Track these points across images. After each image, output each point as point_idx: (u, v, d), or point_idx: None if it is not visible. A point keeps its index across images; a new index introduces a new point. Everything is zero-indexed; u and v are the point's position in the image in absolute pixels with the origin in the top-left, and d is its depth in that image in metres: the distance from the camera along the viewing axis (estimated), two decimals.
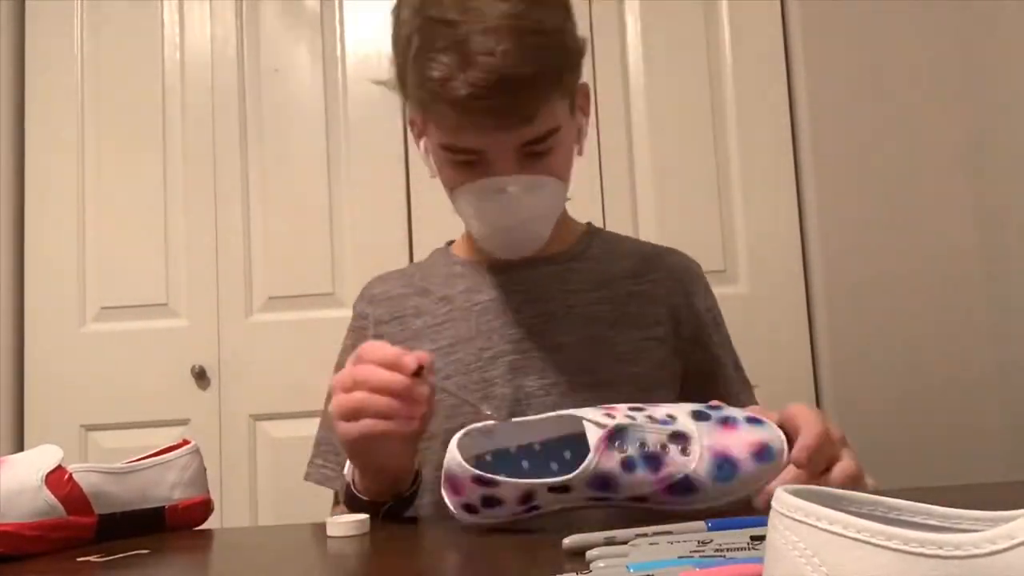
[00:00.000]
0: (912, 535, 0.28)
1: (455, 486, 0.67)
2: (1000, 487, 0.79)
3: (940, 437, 1.75)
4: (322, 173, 1.95)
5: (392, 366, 0.72)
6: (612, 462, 0.63)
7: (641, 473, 0.63)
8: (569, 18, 0.87)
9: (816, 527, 0.30)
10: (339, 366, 1.04)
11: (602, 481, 0.63)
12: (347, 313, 1.92)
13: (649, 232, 1.90)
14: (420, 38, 0.81)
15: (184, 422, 1.89)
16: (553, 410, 0.76)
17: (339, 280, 1.92)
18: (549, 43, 0.81)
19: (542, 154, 0.86)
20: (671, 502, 0.64)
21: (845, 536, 0.29)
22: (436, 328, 0.98)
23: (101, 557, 0.65)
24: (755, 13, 1.95)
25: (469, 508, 0.67)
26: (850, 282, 1.84)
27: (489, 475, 0.65)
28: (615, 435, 0.64)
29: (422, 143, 0.95)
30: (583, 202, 1.92)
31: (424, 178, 1.96)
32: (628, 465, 0.63)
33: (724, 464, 0.63)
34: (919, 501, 0.33)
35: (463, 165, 0.87)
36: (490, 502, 0.65)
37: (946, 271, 1.83)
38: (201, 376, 1.89)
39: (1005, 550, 0.27)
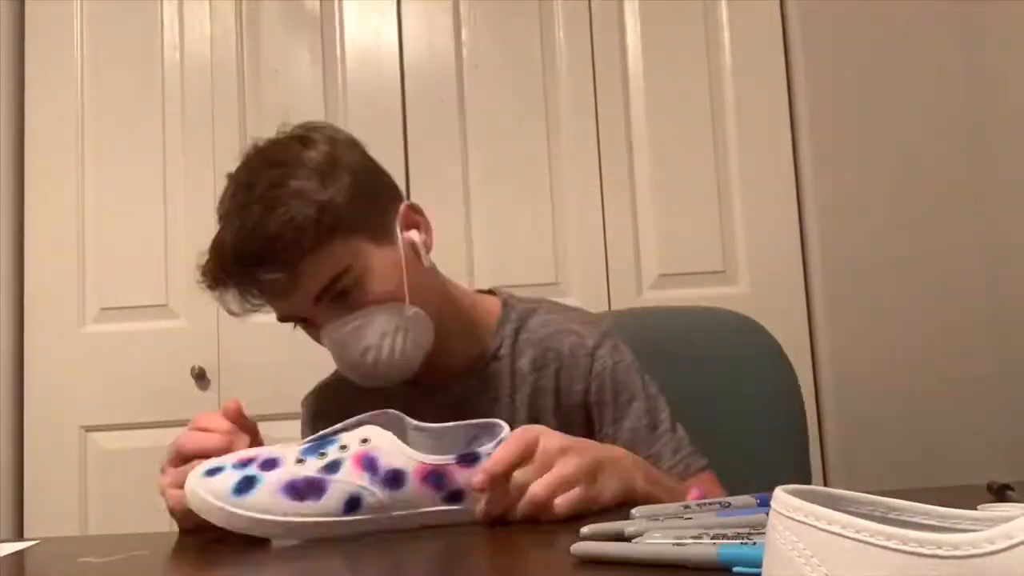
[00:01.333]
0: (911, 535, 0.28)
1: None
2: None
3: (940, 437, 1.75)
4: None
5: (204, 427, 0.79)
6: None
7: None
8: (323, 175, 0.89)
9: (815, 527, 0.30)
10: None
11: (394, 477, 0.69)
12: None
13: (649, 233, 1.90)
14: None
15: (184, 423, 1.88)
16: None
17: None
18: (288, 211, 0.84)
19: (344, 294, 0.89)
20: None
21: (844, 536, 0.29)
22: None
23: (100, 558, 0.65)
24: (755, 13, 1.95)
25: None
26: (850, 281, 1.84)
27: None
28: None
29: None
30: (583, 202, 1.92)
31: (423, 178, 1.97)
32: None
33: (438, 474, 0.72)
34: (918, 501, 0.33)
35: (305, 326, 0.94)
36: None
37: (946, 270, 1.83)
38: (201, 377, 1.89)
39: (1004, 550, 0.27)
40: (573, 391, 1.01)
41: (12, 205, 1.94)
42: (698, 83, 1.95)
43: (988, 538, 0.27)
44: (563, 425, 0.94)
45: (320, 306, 0.89)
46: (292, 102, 1.97)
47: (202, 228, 1.91)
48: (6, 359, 1.89)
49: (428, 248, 0.97)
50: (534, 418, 0.99)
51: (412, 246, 0.95)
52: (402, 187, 1.94)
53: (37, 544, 0.77)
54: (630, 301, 1.83)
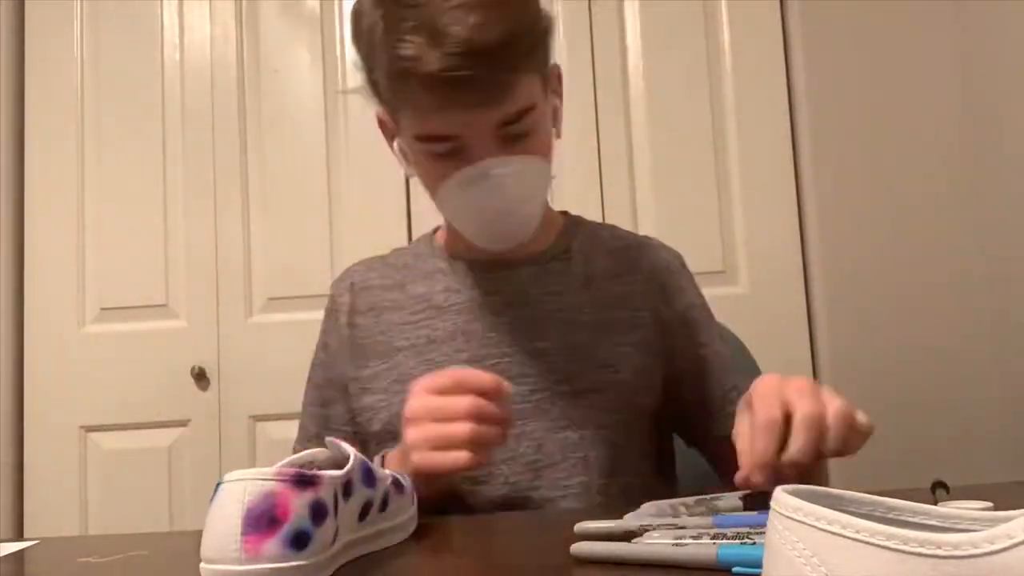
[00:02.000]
0: (911, 535, 0.28)
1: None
2: (999, 487, 0.79)
3: (940, 437, 1.75)
4: (322, 173, 1.95)
5: (493, 394, 0.72)
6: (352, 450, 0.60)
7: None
8: None
9: (815, 527, 0.30)
10: (319, 352, 1.04)
11: (368, 471, 0.58)
12: None
13: (649, 233, 1.88)
14: (385, 24, 0.78)
15: (184, 423, 1.89)
16: (532, 416, 0.78)
17: None
18: (518, 15, 0.79)
19: (521, 136, 0.82)
20: (399, 499, 0.65)
21: (844, 536, 0.29)
22: (411, 326, 0.96)
23: (100, 558, 0.65)
24: (755, 13, 1.95)
25: (299, 539, 0.48)
26: (850, 281, 1.84)
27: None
28: None
29: (396, 144, 0.93)
30: (583, 202, 1.92)
31: None
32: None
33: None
34: (918, 501, 0.33)
35: (441, 158, 0.83)
36: (319, 513, 0.50)
37: (946, 270, 1.83)
38: (201, 377, 1.89)
39: (1003, 550, 0.27)
40: (652, 306, 0.96)
41: (12, 205, 1.94)
42: (698, 83, 1.95)
43: (988, 538, 0.27)
44: (632, 338, 0.93)
45: (493, 135, 0.81)
46: (292, 102, 1.97)
47: (202, 228, 1.92)
48: (6, 359, 1.89)
49: (561, 118, 0.93)
50: (597, 322, 0.93)
51: (556, 112, 0.91)
52: (403, 185, 1.95)
53: (37, 544, 0.77)
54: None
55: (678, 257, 1.03)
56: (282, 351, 1.90)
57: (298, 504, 0.47)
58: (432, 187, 0.87)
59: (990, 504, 0.56)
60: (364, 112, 1.98)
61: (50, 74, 1.98)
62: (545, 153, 0.86)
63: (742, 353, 1.22)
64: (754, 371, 1.23)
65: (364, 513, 0.57)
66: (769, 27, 1.95)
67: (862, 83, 1.87)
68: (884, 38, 1.88)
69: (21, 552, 0.73)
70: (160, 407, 1.89)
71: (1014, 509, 0.30)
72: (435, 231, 1.05)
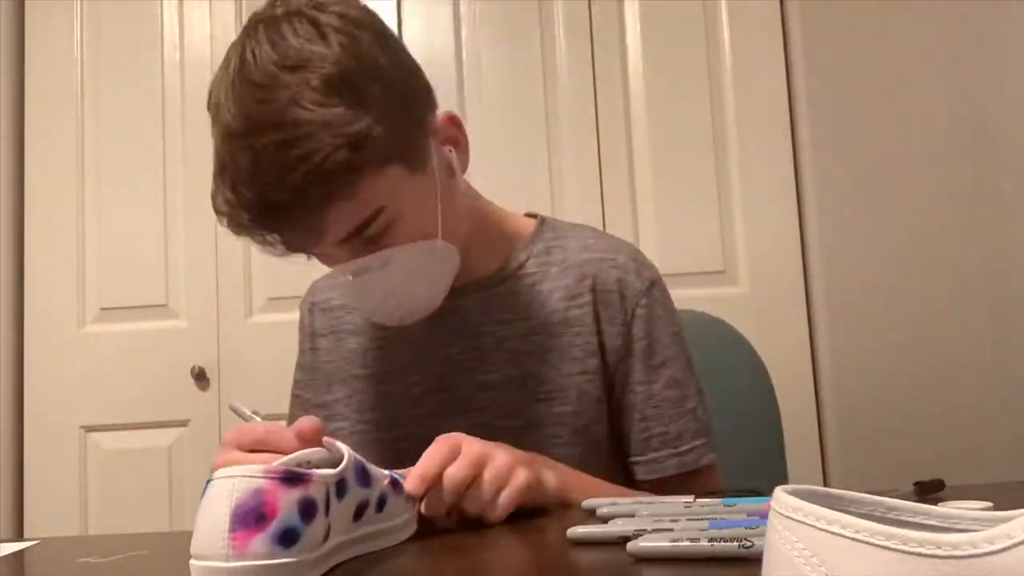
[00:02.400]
0: (911, 535, 0.28)
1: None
2: (999, 487, 0.79)
3: (939, 437, 1.75)
4: None
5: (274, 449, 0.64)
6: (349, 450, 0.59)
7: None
8: (349, 86, 0.71)
9: (815, 527, 0.30)
10: (297, 370, 1.03)
11: (362, 470, 0.57)
12: None
13: (649, 233, 1.90)
14: (216, 165, 0.74)
15: (184, 423, 1.89)
16: None
17: None
18: (321, 142, 0.68)
19: (380, 235, 0.76)
20: (396, 500, 0.62)
21: (844, 536, 0.29)
22: (371, 352, 0.93)
23: (100, 558, 0.65)
24: (755, 15, 1.95)
25: (288, 536, 0.48)
26: (850, 281, 1.84)
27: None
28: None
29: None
30: (583, 204, 1.92)
31: None
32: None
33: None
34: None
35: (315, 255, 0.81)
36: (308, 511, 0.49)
37: (946, 269, 1.83)
38: (201, 377, 1.89)
39: (1003, 550, 0.27)
40: (600, 330, 0.89)
41: (12, 206, 1.94)
42: (698, 83, 1.95)
43: (987, 538, 0.27)
44: (582, 366, 0.87)
45: (343, 247, 0.77)
46: None
47: (202, 228, 1.92)
48: (6, 359, 1.89)
49: (464, 166, 0.85)
50: (546, 351, 0.88)
51: (448, 167, 0.83)
52: None
53: (37, 544, 0.77)
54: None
55: (649, 280, 0.93)
56: (282, 351, 1.89)
57: (287, 501, 0.47)
58: None
59: (990, 504, 0.56)
60: None
61: (50, 74, 1.98)
62: (414, 236, 0.78)
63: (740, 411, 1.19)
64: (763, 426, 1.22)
65: (359, 513, 0.56)
66: (769, 27, 1.95)
67: (862, 82, 1.87)
68: (884, 38, 1.88)
69: (21, 552, 0.73)
70: (160, 407, 1.90)
71: (1014, 509, 0.30)
72: None
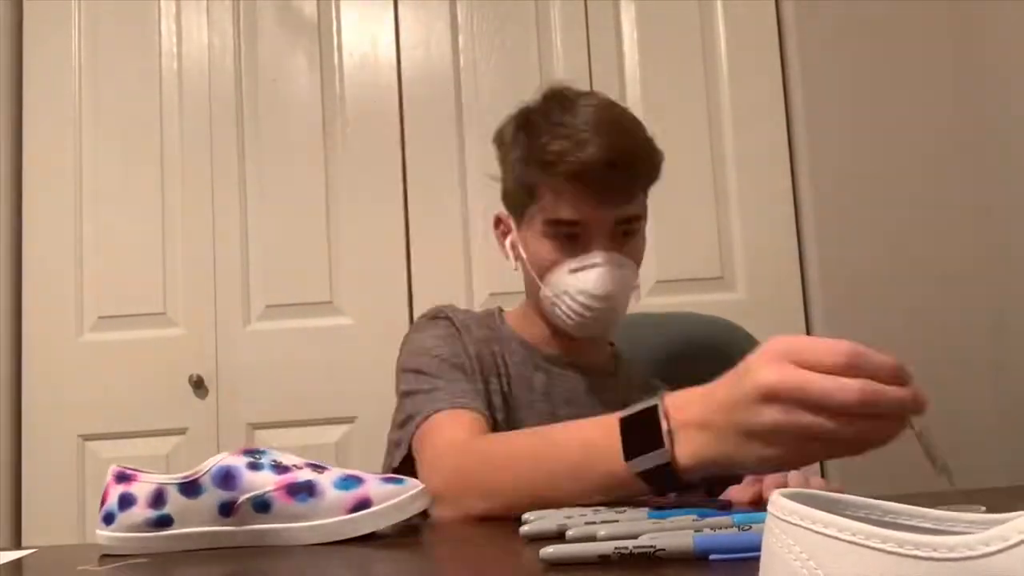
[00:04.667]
0: (907, 537, 0.28)
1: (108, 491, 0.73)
2: (995, 492, 0.79)
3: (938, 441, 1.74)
4: (319, 182, 1.95)
5: (901, 380, 0.60)
6: (240, 461, 0.71)
7: (265, 472, 0.70)
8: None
9: (811, 530, 0.30)
10: (445, 345, 1.03)
11: (226, 475, 0.70)
12: (345, 321, 1.91)
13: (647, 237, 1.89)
14: (528, 133, 1.00)
15: (182, 431, 1.89)
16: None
17: (336, 288, 1.93)
18: (644, 140, 1.02)
19: (629, 235, 1.01)
20: (291, 506, 0.70)
21: (840, 539, 0.30)
22: (496, 394, 1.03)
23: (101, 565, 0.65)
24: (751, 19, 1.96)
25: (108, 517, 0.71)
26: (847, 288, 1.84)
27: (131, 469, 0.74)
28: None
29: (508, 240, 1.08)
30: None
31: (421, 184, 1.97)
32: (255, 466, 0.71)
33: (350, 479, 0.71)
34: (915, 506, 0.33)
35: (562, 241, 0.99)
36: (126, 501, 0.71)
37: (944, 275, 1.83)
38: (199, 385, 1.89)
39: (998, 552, 0.27)
40: None
41: (10, 214, 1.94)
42: (695, 89, 1.96)
43: (983, 540, 0.27)
44: None
45: (610, 229, 0.99)
46: (289, 110, 1.98)
47: (200, 236, 1.92)
48: (4, 368, 1.89)
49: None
50: None
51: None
52: (399, 194, 1.95)
53: (35, 552, 0.77)
54: (629, 307, 1.83)
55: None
56: (280, 359, 1.90)
57: (112, 493, 0.72)
58: (544, 270, 1.01)
59: (983, 508, 0.56)
60: (362, 119, 1.99)
61: (48, 83, 1.98)
62: (639, 258, 1.04)
63: None
64: None
65: (227, 510, 0.70)
66: (765, 34, 1.96)
67: (859, 88, 1.88)
68: (881, 43, 1.89)
69: (19, 560, 0.73)
70: (158, 415, 1.89)
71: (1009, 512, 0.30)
72: (500, 311, 1.14)
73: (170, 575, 0.62)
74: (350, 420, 1.88)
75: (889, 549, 0.28)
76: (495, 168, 1.11)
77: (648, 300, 1.87)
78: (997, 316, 1.79)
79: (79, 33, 2.00)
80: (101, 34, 2.00)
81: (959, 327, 1.81)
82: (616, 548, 0.50)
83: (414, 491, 0.71)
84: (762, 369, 0.60)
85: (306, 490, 0.70)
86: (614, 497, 0.71)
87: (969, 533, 0.28)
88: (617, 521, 0.59)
